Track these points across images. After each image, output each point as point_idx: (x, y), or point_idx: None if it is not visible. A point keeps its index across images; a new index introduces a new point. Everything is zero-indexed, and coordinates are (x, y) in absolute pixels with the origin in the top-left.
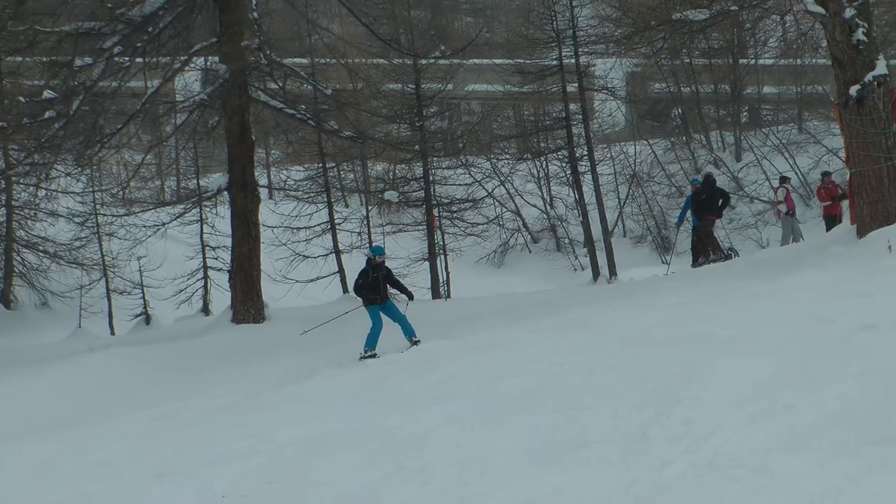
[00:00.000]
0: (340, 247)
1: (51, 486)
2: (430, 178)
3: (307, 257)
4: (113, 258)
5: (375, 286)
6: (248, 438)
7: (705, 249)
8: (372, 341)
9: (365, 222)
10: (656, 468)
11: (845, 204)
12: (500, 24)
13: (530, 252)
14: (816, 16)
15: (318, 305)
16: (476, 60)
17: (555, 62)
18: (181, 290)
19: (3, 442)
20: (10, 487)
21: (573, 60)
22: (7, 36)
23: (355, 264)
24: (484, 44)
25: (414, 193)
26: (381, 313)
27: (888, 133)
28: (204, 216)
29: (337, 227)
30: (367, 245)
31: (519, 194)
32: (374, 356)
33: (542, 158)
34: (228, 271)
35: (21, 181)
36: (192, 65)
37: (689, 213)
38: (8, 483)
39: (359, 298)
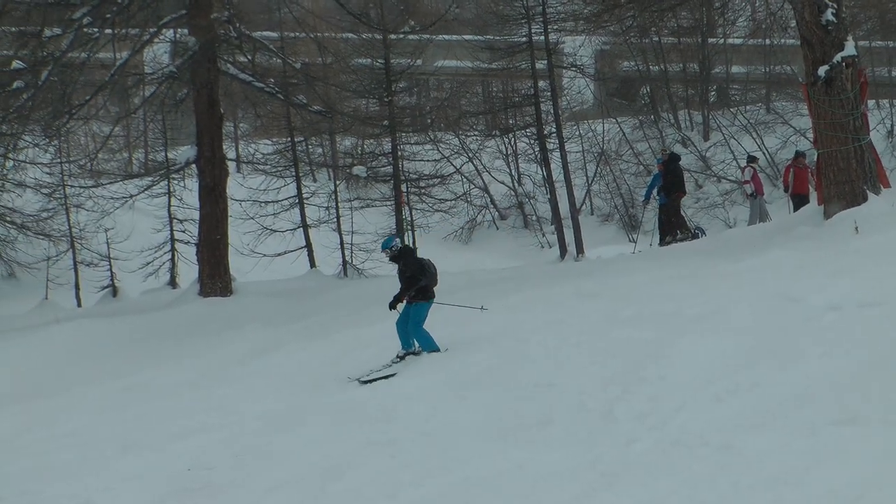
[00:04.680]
0: (308, 221)
1: (16, 457)
2: (399, 153)
3: (275, 231)
4: (80, 230)
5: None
6: (214, 412)
7: (672, 228)
8: (400, 340)
9: (333, 197)
10: (622, 445)
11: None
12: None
13: (498, 229)
14: None
15: (286, 279)
16: (445, 36)
17: (524, 39)
18: (148, 263)
19: None
20: None
21: (542, 37)
22: None
23: (323, 239)
24: (453, 20)
25: (382, 169)
26: (406, 313)
27: (856, 114)
28: (172, 189)
29: (305, 201)
30: (335, 219)
31: (487, 171)
32: (403, 357)
33: (511, 135)
34: (196, 244)
35: None
36: (161, 37)
37: (655, 192)
38: None
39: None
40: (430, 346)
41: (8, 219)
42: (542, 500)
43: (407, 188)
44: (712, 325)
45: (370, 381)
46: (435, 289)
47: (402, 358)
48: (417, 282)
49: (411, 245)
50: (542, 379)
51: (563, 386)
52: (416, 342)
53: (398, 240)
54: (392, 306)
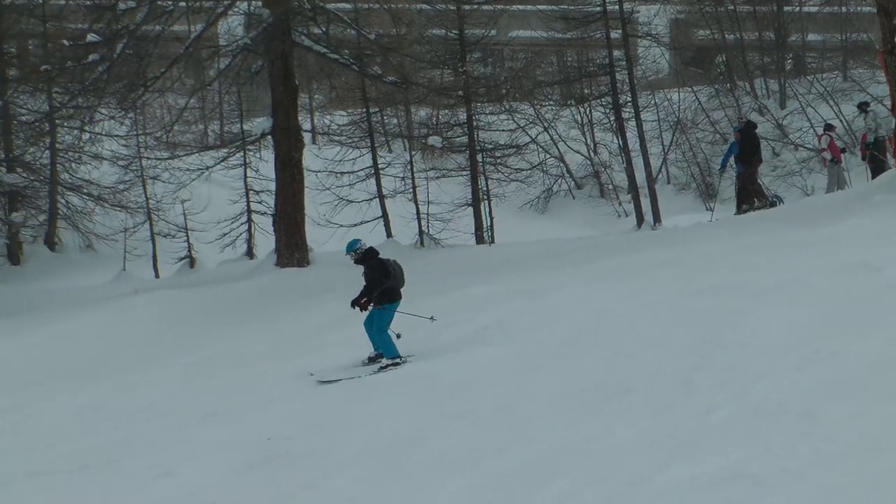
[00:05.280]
0: (384, 192)
1: (96, 429)
2: (474, 123)
3: (351, 202)
4: (157, 201)
5: None
6: (292, 382)
7: (749, 197)
8: (384, 348)
9: (408, 167)
10: (701, 414)
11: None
12: None
13: (574, 198)
14: None
15: None
16: (520, 6)
17: (598, 8)
18: (225, 234)
19: (49, 385)
20: (57, 430)
21: (617, 7)
22: None
23: (399, 209)
24: None
25: (457, 139)
26: (371, 316)
27: None
28: (248, 160)
29: (381, 172)
30: (411, 189)
31: (562, 140)
32: (373, 361)
33: (586, 105)
34: (272, 215)
35: (65, 124)
36: (236, 9)
37: (731, 160)
38: (54, 426)
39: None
40: (391, 353)
41: (85, 191)
42: (622, 469)
43: (482, 158)
44: (790, 294)
45: (330, 382)
46: (402, 290)
47: (372, 360)
48: (380, 284)
49: (376, 248)
50: (620, 348)
51: (641, 355)
52: (377, 347)
53: (362, 242)
54: (353, 305)
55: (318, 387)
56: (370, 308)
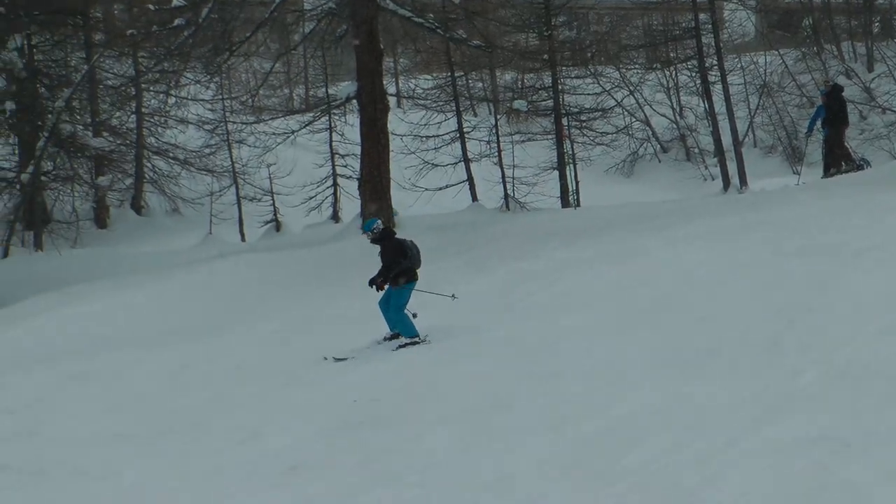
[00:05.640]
0: (469, 155)
1: (185, 390)
2: (559, 87)
3: (436, 165)
4: (242, 165)
5: None
6: (379, 345)
7: (836, 160)
8: (401, 328)
9: (494, 131)
10: (788, 377)
11: None
12: None
13: (660, 162)
14: None
15: (448, 213)
16: None
17: None
18: (311, 198)
19: (138, 348)
20: (146, 392)
21: None
22: None
23: (484, 173)
24: None
25: (543, 103)
26: (387, 295)
27: None
28: (333, 124)
29: (466, 135)
30: (496, 153)
31: (648, 104)
32: (388, 340)
33: (672, 68)
34: (358, 179)
35: (151, 88)
36: None
37: (819, 123)
38: (144, 388)
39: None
40: (410, 332)
41: (171, 154)
42: (708, 433)
43: (568, 122)
44: (879, 257)
45: (343, 360)
46: (419, 271)
47: (388, 339)
48: (398, 265)
49: (393, 230)
50: (707, 311)
51: (728, 318)
52: (391, 326)
53: (379, 222)
54: (372, 284)
55: (404, 350)
56: (385, 288)
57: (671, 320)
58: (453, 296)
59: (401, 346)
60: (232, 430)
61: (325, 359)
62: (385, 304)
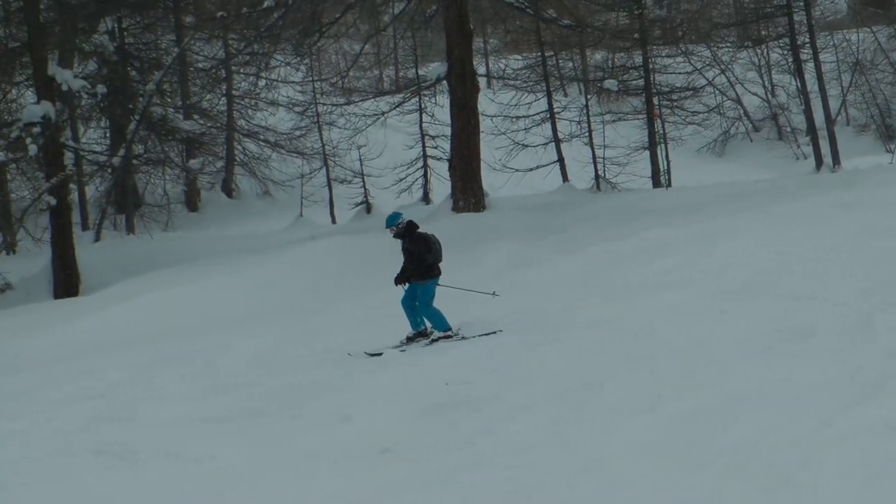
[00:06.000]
0: (560, 136)
1: (278, 372)
2: (650, 66)
3: (526, 146)
4: (333, 147)
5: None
6: (470, 326)
7: None
8: (410, 321)
9: (584, 111)
10: (882, 357)
11: None
12: None
13: (751, 141)
14: None
15: (538, 194)
16: None
17: None
18: (401, 179)
19: (229, 330)
20: (236, 376)
21: None
22: None
23: (575, 153)
24: None
25: (633, 82)
26: (413, 290)
27: None
28: (423, 105)
29: (556, 116)
30: (587, 133)
31: (739, 83)
32: (405, 342)
33: (763, 46)
34: (448, 160)
35: (241, 71)
36: None
37: None
38: (234, 371)
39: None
40: (442, 326)
41: (261, 137)
42: (804, 413)
43: (659, 101)
44: None
45: (376, 355)
46: (441, 265)
47: (410, 340)
48: (424, 261)
49: (415, 222)
50: (801, 291)
51: (822, 297)
52: (426, 321)
53: (403, 216)
54: (398, 282)
55: (495, 333)
56: (407, 284)
57: (765, 300)
58: (494, 293)
59: (434, 341)
60: (323, 414)
61: (350, 355)
62: (409, 303)
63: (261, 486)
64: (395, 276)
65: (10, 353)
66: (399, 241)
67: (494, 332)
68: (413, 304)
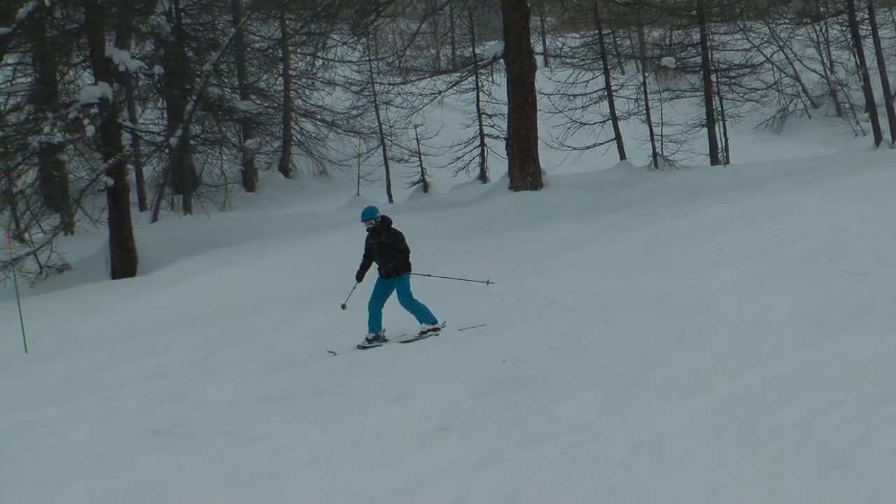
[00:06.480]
0: (617, 114)
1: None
2: (708, 43)
3: (584, 124)
4: (390, 126)
5: (374, 255)
6: (528, 304)
7: None
8: (369, 321)
9: (642, 89)
10: None
11: None
12: None
13: (810, 118)
14: None
15: (596, 172)
16: None
17: None
18: (458, 158)
19: (288, 309)
20: (294, 355)
21: None
22: None
23: (632, 131)
24: None
25: (691, 59)
26: (384, 289)
27: None
28: (480, 84)
29: (613, 93)
30: (644, 111)
31: (798, 59)
32: (372, 342)
33: (822, 23)
34: (505, 139)
35: (298, 51)
36: None
37: None
38: (291, 350)
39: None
40: (429, 318)
41: (318, 117)
42: (859, 392)
43: (717, 78)
44: None
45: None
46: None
47: (370, 342)
48: (408, 252)
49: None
50: (858, 267)
51: (879, 274)
52: (415, 316)
53: (378, 210)
54: (394, 273)
55: (550, 309)
56: (403, 277)
57: (822, 277)
58: (488, 282)
59: (423, 333)
60: (380, 392)
61: (333, 353)
62: (380, 302)
63: (317, 465)
64: (385, 271)
65: (68, 334)
66: (367, 239)
67: (483, 325)
68: (382, 305)
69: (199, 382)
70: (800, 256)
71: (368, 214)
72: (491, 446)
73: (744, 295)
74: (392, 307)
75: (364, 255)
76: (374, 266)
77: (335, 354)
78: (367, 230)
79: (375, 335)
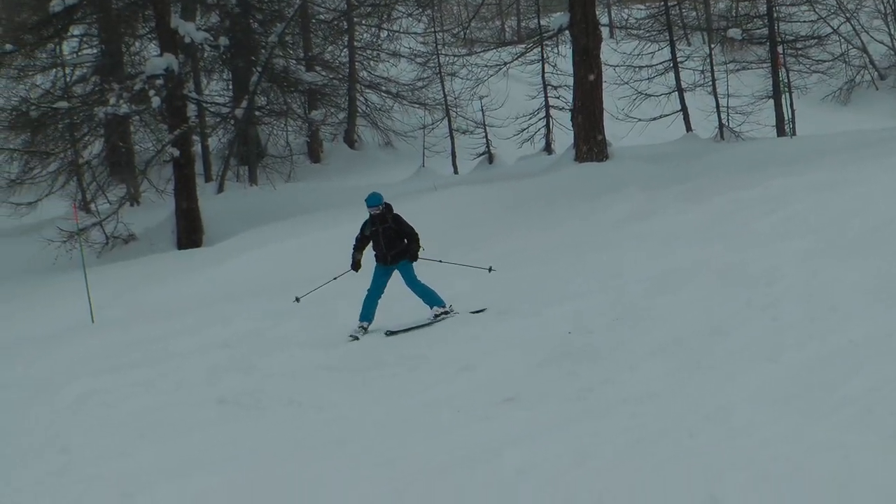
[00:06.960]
0: (683, 85)
1: (393, 323)
2: (774, 14)
3: (649, 96)
4: (455, 98)
5: (376, 242)
6: (593, 275)
7: None
8: (364, 310)
9: (708, 60)
10: None
11: None
12: None
13: (877, 89)
14: None
15: (661, 143)
16: None
17: None
18: (523, 130)
19: (349, 279)
20: (355, 324)
21: None
22: None
23: (698, 102)
24: None
25: (757, 31)
26: (386, 277)
27: None
28: (545, 55)
29: (679, 65)
30: (710, 83)
31: (865, 31)
32: (361, 332)
33: None
34: (571, 110)
35: (363, 22)
36: None
37: None
38: (352, 320)
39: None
40: (438, 301)
41: (383, 88)
42: None
43: (783, 50)
44: None
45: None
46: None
47: (365, 330)
48: (416, 237)
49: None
50: None
51: None
52: (423, 300)
53: (383, 197)
54: (414, 259)
55: (616, 280)
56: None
57: (889, 248)
58: (490, 269)
59: (437, 317)
60: (445, 363)
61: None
62: (379, 292)
63: (382, 435)
64: (391, 257)
65: (134, 304)
66: (365, 225)
67: (483, 310)
68: (380, 296)
69: (264, 352)
70: (867, 228)
71: (376, 201)
72: (556, 417)
73: (811, 266)
74: (405, 296)
75: (356, 242)
76: (370, 255)
77: (357, 339)
78: (371, 216)
79: (364, 325)
